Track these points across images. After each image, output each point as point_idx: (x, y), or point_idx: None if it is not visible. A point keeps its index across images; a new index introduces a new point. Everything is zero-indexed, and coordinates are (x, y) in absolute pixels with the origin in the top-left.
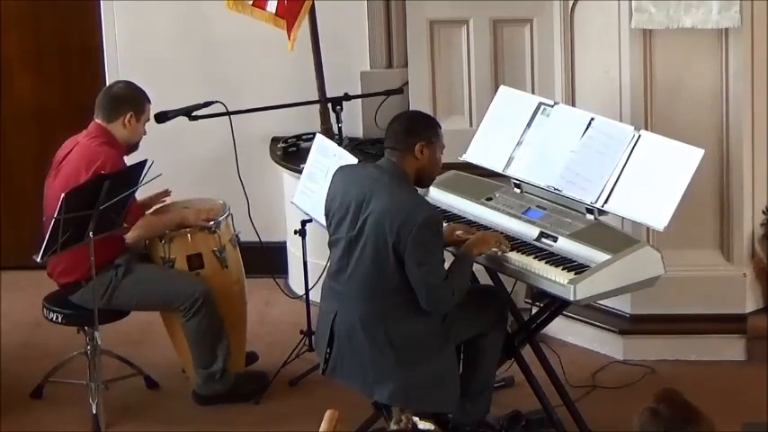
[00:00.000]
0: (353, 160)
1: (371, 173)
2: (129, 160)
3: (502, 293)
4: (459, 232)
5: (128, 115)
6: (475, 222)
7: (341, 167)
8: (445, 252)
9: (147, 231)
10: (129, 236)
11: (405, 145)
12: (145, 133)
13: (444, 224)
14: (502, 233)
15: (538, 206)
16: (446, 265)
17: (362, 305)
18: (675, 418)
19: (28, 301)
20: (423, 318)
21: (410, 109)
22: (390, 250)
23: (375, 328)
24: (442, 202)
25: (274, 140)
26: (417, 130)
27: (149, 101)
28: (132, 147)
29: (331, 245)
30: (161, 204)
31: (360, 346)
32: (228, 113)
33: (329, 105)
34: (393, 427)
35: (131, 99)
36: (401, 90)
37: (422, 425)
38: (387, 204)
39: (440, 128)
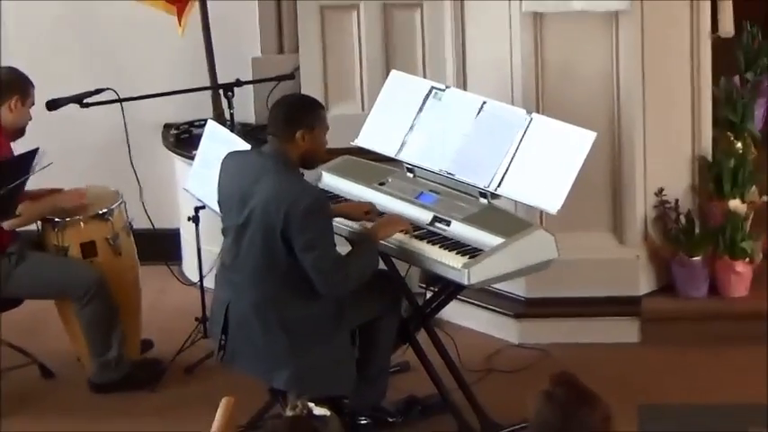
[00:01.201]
0: (245, 146)
1: (256, 160)
2: (19, 147)
3: (396, 278)
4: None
5: (13, 99)
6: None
7: (228, 155)
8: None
9: (24, 219)
10: (7, 223)
11: (286, 133)
12: (30, 118)
13: (348, 201)
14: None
15: (431, 190)
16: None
17: (254, 292)
18: (570, 401)
19: None
20: (315, 302)
21: (291, 94)
22: (278, 237)
23: (268, 314)
24: (334, 187)
25: (166, 127)
26: (298, 118)
27: (33, 85)
28: (18, 132)
29: (223, 233)
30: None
31: (254, 333)
32: (120, 100)
33: (221, 91)
34: (288, 413)
35: (15, 83)
36: (292, 76)
37: (317, 410)
38: (272, 191)
39: (322, 109)
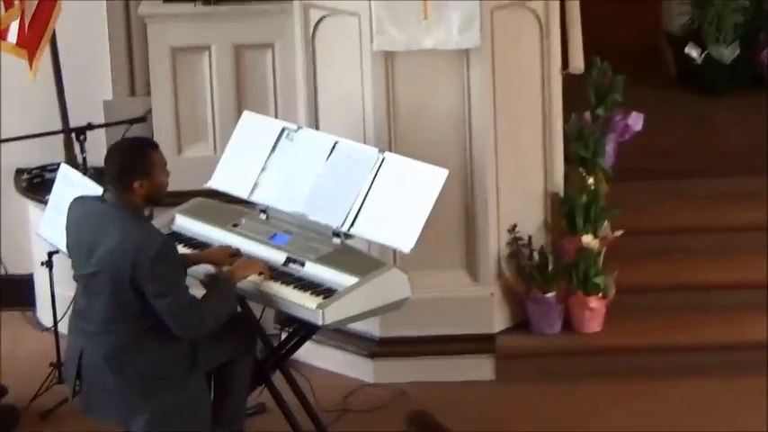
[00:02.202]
0: (99, 190)
1: (100, 208)
2: None
3: (250, 319)
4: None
5: (136, 183)
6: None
7: (72, 202)
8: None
9: None
10: None
11: (122, 185)
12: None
13: (211, 248)
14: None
15: (284, 231)
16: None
17: (106, 341)
18: None
19: None
20: (168, 345)
21: (125, 139)
22: (128, 285)
23: (121, 361)
24: (188, 229)
25: (19, 172)
26: (132, 169)
27: (150, 152)
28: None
29: (74, 280)
30: None
31: (108, 379)
32: None
33: (73, 135)
34: None
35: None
36: (144, 118)
37: None
38: (118, 240)
39: (155, 150)
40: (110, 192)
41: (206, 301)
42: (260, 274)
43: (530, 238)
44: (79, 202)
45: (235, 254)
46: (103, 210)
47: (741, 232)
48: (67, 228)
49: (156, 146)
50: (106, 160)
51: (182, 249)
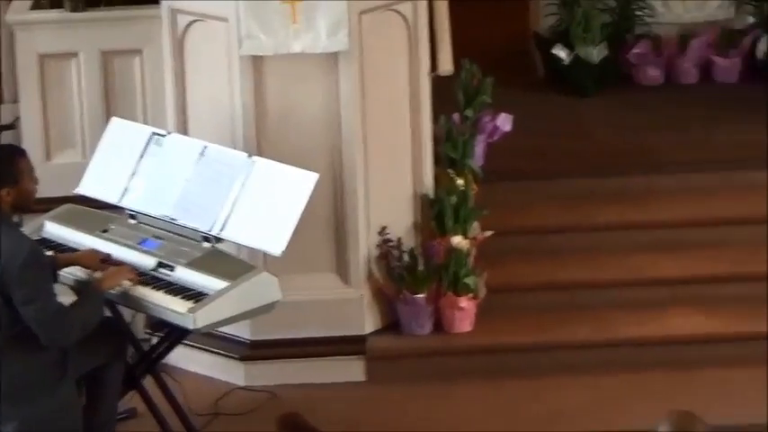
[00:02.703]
0: None
1: None
2: None
3: (121, 324)
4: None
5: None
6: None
7: None
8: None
9: None
10: None
11: None
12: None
13: (81, 251)
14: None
15: (154, 236)
16: None
17: None
18: None
19: None
20: (38, 353)
21: None
22: None
23: None
24: (57, 235)
25: None
26: None
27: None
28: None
29: None
30: None
31: None
32: None
33: None
34: None
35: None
36: (13, 125)
37: None
38: None
39: (22, 157)
40: None
41: (74, 310)
42: (130, 280)
43: (399, 239)
44: None
45: (105, 259)
46: None
47: (607, 231)
48: None
49: (23, 153)
50: None
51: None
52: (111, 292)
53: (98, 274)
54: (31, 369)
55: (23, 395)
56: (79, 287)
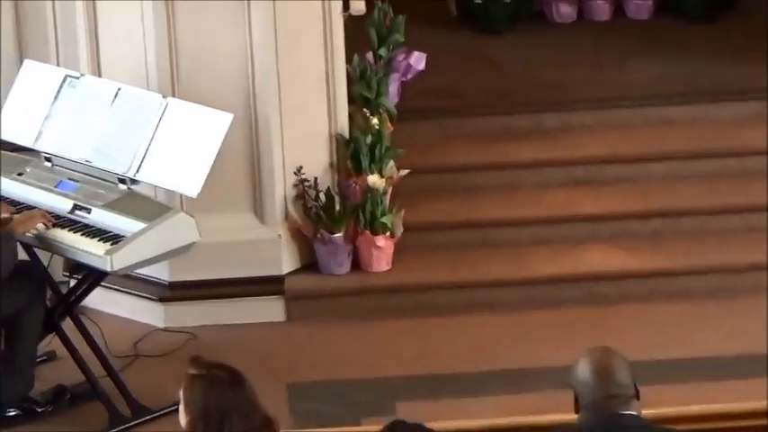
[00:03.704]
0: None
1: None
2: None
3: (38, 267)
4: (4, 214)
5: None
6: (21, 203)
7: None
8: None
9: None
10: None
11: None
12: None
13: None
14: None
15: (70, 179)
16: None
17: None
18: (231, 381)
19: None
20: None
21: None
22: None
23: None
24: None
25: None
26: None
27: None
28: None
29: None
30: None
31: None
32: None
33: None
34: None
35: None
36: None
37: None
38: None
39: None
40: None
41: None
42: (44, 224)
43: (315, 179)
44: None
45: (9, 217)
46: None
47: (523, 168)
48: None
49: None
50: None
51: None
52: (27, 235)
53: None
54: None
55: None
56: None
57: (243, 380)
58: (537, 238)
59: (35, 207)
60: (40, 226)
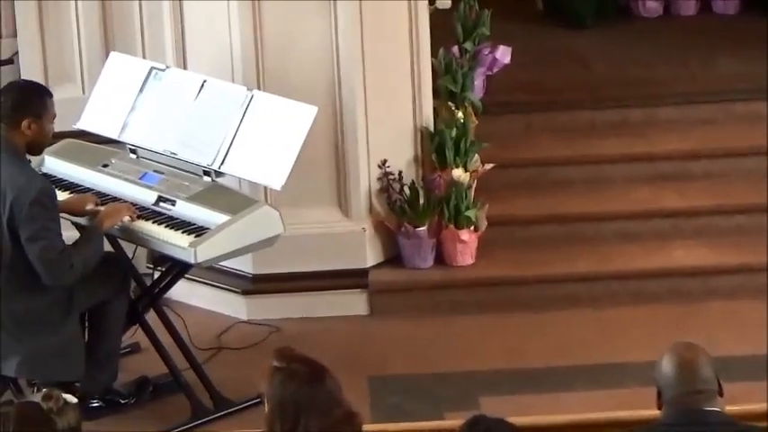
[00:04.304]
0: None
1: None
2: None
3: (123, 259)
4: (90, 206)
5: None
6: (106, 195)
7: None
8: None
9: None
10: None
11: (12, 120)
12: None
13: (71, 195)
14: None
15: (155, 171)
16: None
17: None
18: (310, 375)
19: None
20: (43, 290)
21: (20, 79)
22: (5, 226)
23: None
24: (58, 171)
25: None
26: (24, 106)
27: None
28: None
29: None
30: None
31: None
32: None
33: None
34: (42, 403)
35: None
36: (12, 60)
37: (68, 398)
38: None
39: (50, 97)
40: None
41: (74, 250)
42: (130, 218)
43: (400, 173)
44: None
45: (95, 209)
46: None
47: (608, 163)
48: None
49: (51, 95)
50: (1, 94)
51: None
52: (114, 227)
53: (97, 216)
54: (38, 307)
55: (28, 331)
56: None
57: (324, 375)
58: (622, 233)
59: (120, 199)
60: (126, 219)
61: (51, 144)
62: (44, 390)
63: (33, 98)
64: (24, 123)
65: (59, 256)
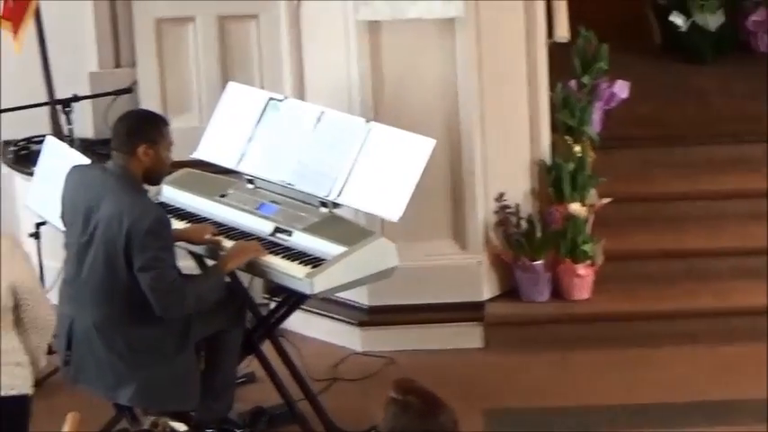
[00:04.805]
0: (85, 161)
1: (99, 176)
2: None
3: (239, 289)
4: (208, 236)
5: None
6: (223, 225)
7: (72, 170)
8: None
9: None
10: None
11: (128, 147)
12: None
13: (189, 224)
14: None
15: (272, 201)
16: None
17: (97, 310)
18: (424, 408)
19: None
20: (159, 320)
21: (139, 108)
22: (121, 254)
23: (111, 333)
24: (175, 200)
25: (5, 144)
26: (140, 132)
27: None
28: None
29: (65, 247)
30: None
31: (98, 350)
32: None
33: (59, 107)
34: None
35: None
36: (130, 90)
37: (176, 426)
38: (115, 209)
39: (166, 125)
40: (113, 160)
41: (191, 284)
42: (257, 255)
43: (517, 206)
44: (78, 170)
45: (214, 239)
46: (104, 178)
47: (727, 199)
48: (64, 195)
49: (167, 123)
50: (115, 123)
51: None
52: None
53: (223, 254)
54: (154, 336)
55: (143, 360)
56: (208, 255)
57: (437, 410)
58: (739, 269)
59: (237, 229)
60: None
61: (169, 173)
62: (150, 418)
63: (148, 125)
64: (140, 150)
65: (170, 286)
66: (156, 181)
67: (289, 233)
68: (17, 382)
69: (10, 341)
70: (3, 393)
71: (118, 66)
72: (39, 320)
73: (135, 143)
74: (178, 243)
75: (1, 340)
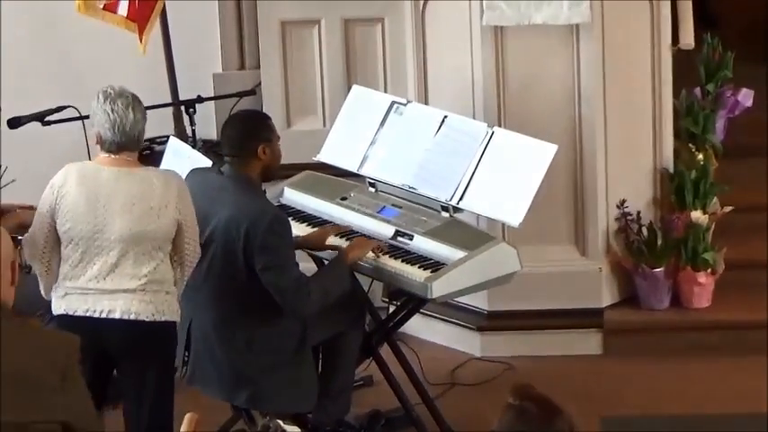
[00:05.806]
0: (207, 162)
1: (215, 181)
2: None
3: (359, 293)
4: (330, 241)
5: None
6: (349, 229)
7: (190, 173)
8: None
9: None
10: None
11: (246, 151)
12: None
13: (312, 231)
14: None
15: (393, 205)
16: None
17: (216, 311)
18: (542, 414)
19: None
20: (278, 321)
21: (240, 111)
22: (240, 255)
23: (230, 333)
24: (296, 202)
25: None
26: (255, 133)
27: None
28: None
29: None
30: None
31: (216, 351)
32: (81, 118)
33: (182, 108)
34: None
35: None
36: (254, 91)
37: (288, 428)
38: (233, 211)
39: (270, 120)
40: (228, 165)
41: (316, 280)
42: (376, 252)
43: (638, 213)
44: (196, 173)
45: (335, 245)
46: (220, 181)
47: None
48: None
49: (270, 118)
50: (225, 130)
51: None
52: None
53: (344, 247)
54: (272, 338)
55: (261, 363)
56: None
57: (554, 417)
58: None
59: (357, 232)
60: (370, 254)
61: (287, 173)
62: (263, 420)
63: (260, 124)
64: (260, 150)
65: (295, 283)
66: (273, 176)
67: (410, 237)
68: (169, 308)
69: (167, 271)
70: (156, 318)
71: (242, 67)
72: (188, 257)
73: (254, 145)
74: (300, 250)
75: (160, 268)
